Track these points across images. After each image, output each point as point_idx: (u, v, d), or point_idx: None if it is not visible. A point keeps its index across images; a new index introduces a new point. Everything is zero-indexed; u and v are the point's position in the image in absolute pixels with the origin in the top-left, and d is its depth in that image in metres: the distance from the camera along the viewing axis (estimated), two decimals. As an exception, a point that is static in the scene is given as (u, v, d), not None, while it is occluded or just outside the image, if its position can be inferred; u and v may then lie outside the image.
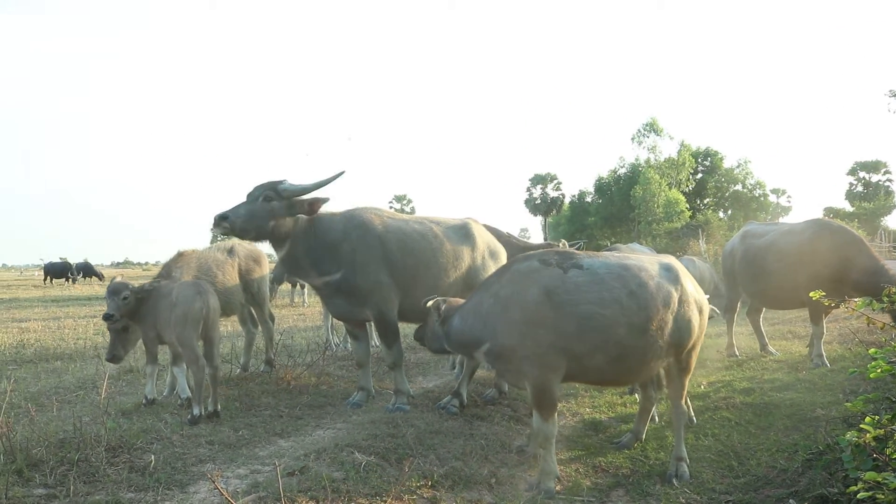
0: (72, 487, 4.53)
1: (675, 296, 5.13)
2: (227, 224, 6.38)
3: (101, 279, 43.03)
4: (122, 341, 7.01)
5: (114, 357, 7.03)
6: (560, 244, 11.25)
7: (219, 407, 6.48)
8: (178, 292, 6.56)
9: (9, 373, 9.40)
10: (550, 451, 5.10)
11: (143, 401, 6.85)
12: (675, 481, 5.27)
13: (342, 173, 6.73)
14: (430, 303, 5.70)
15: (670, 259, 5.51)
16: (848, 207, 63.04)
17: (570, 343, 4.93)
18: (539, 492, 5.01)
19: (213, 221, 6.42)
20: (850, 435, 3.99)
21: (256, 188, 6.60)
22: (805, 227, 9.29)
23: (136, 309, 6.78)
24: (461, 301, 5.71)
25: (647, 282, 5.07)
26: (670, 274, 5.22)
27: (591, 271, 5.04)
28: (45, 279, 42.67)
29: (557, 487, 5.14)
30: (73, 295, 29.97)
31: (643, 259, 5.36)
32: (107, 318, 6.72)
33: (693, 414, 6.66)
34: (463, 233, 7.52)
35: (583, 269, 5.05)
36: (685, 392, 5.61)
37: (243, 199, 6.61)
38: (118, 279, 7.00)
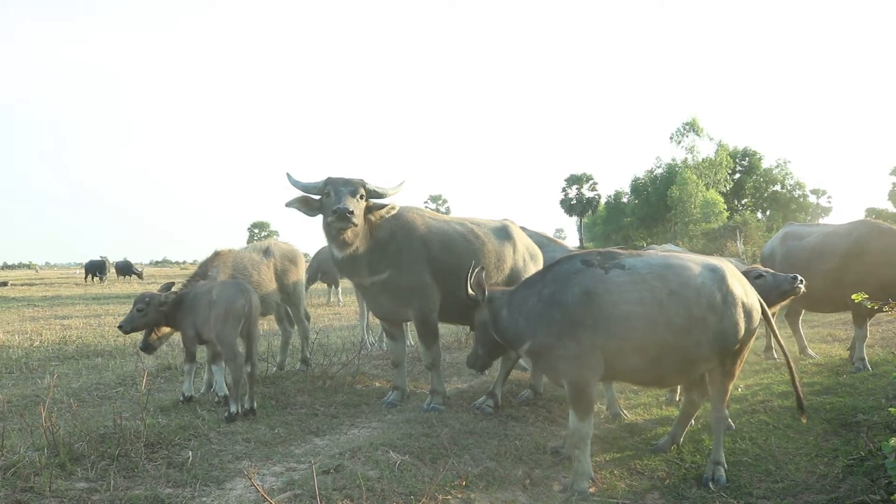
0: (112, 482, 4.61)
1: (720, 297, 5.02)
2: (354, 220, 6.17)
3: (140, 277, 43.77)
4: (155, 331, 7.21)
5: (147, 346, 7.20)
6: None
7: (255, 405, 6.55)
8: (218, 291, 6.63)
9: (52, 369, 9.62)
10: (586, 452, 5.08)
11: (181, 398, 6.95)
12: (711, 485, 5.21)
13: (404, 182, 6.85)
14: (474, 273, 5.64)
15: (719, 260, 5.40)
16: (891, 208, 61.49)
17: (609, 343, 4.92)
18: (572, 493, 4.98)
19: (336, 215, 6.08)
20: (895, 441, 3.91)
21: (342, 182, 6.36)
22: (851, 228, 9.08)
23: (160, 317, 6.90)
24: (505, 289, 5.68)
25: (690, 282, 4.99)
26: (715, 275, 5.09)
27: (632, 271, 5.01)
28: (85, 277, 43.55)
29: (592, 489, 5.10)
30: (114, 293, 30.52)
31: (688, 259, 5.28)
32: (119, 327, 6.97)
33: (731, 422, 6.59)
34: (503, 234, 7.49)
35: (624, 268, 5.03)
36: (728, 396, 5.52)
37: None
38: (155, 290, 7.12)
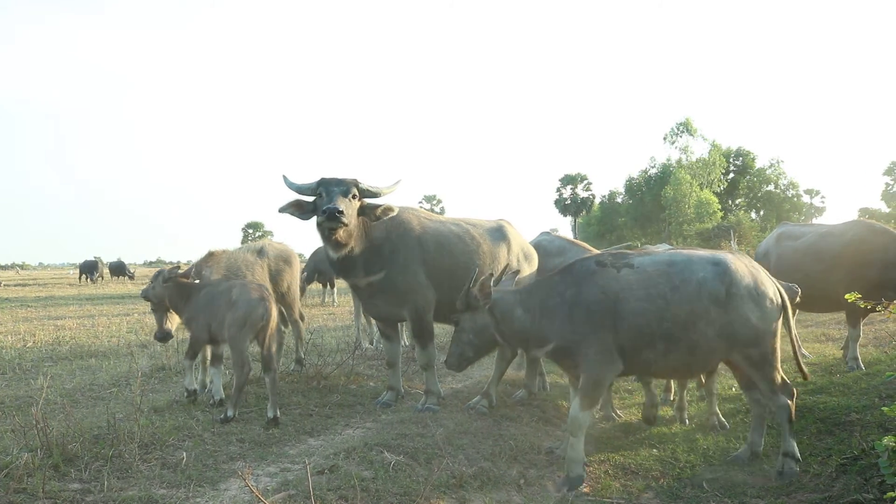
0: (106, 483, 4.59)
1: (723, 290, 5.09)
2: (344, 220, 6.11)
3: (131, 279, 43.74)
4: (167, 320, 7.27)
5: (164, 336, 7.24)
6: None
7: (278, 413, 6.37)
8: (238, 293, 6.50)
9: (45, 369, 9.57)
10: (580, 439, 5.19)
11: (185, 393, 6.93)
12: (780, 478, 5.19)
13: (400, 181, 6.83)
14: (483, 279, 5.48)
15: (723, 254, 5.43)
16: (884, 208, 61.74)
17: (625, 339, 5.09)
18: (567, 481, 5.10)
19: (326, 215, 6.02)
20: (888, 440, 3.93)
21: (334, 182, 6.31)
22: (846, 228, 9.11)
23: (163, 294, 6.91)
24: (510, 290, 5.66)
25: (691, 277, 5.13)
26: (718, 268, 5.17)
27: (640, 269, 5.20)
28: (80, 277, 43.48)
29: (587, 489, 5.12)
30: (107, 293, 30.46)
31: (693, 254, 5.37)
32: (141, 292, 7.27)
33: (725, 421, 6.62)
34: (498, 234, 7.50)
35: (633, 267, 5.22)
36: (777, 383, 5.34)
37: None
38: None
